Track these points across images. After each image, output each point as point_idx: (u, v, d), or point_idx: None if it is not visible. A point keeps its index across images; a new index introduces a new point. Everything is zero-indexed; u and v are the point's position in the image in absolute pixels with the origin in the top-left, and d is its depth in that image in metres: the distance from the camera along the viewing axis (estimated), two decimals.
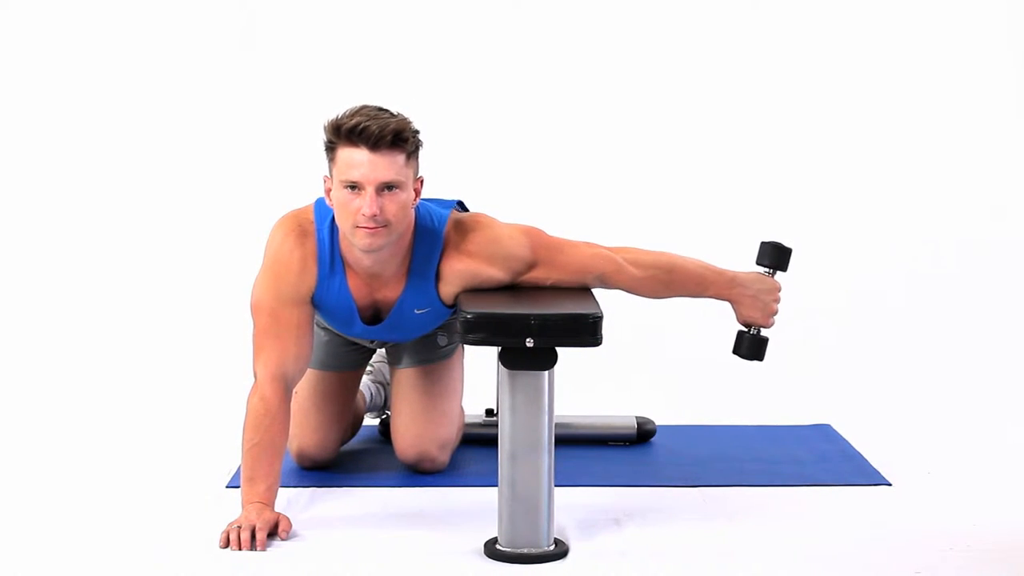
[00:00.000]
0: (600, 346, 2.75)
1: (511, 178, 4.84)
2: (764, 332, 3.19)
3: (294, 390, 3.08)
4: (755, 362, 3.20)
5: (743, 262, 4.81)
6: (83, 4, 4.88)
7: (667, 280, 3.10)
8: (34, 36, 4.86)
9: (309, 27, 4.90)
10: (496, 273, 3.00)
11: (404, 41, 4.90)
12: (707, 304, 4.65)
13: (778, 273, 3.19)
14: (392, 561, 2.75)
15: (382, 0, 4.92)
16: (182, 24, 4.88)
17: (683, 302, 4.58)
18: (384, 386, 3.62)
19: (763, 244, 3.19)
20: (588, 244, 3.08)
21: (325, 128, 2.87)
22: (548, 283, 3.02)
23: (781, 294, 3.19)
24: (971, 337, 4.54)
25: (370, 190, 2.83)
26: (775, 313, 3.17)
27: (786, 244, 3.18)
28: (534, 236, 3.03)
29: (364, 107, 2.88)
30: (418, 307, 3.05)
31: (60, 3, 4.87)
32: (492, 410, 3.55)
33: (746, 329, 3.18)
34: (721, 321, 4.62)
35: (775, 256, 3.17)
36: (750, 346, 3.18)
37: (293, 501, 3.09)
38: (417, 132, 2.89)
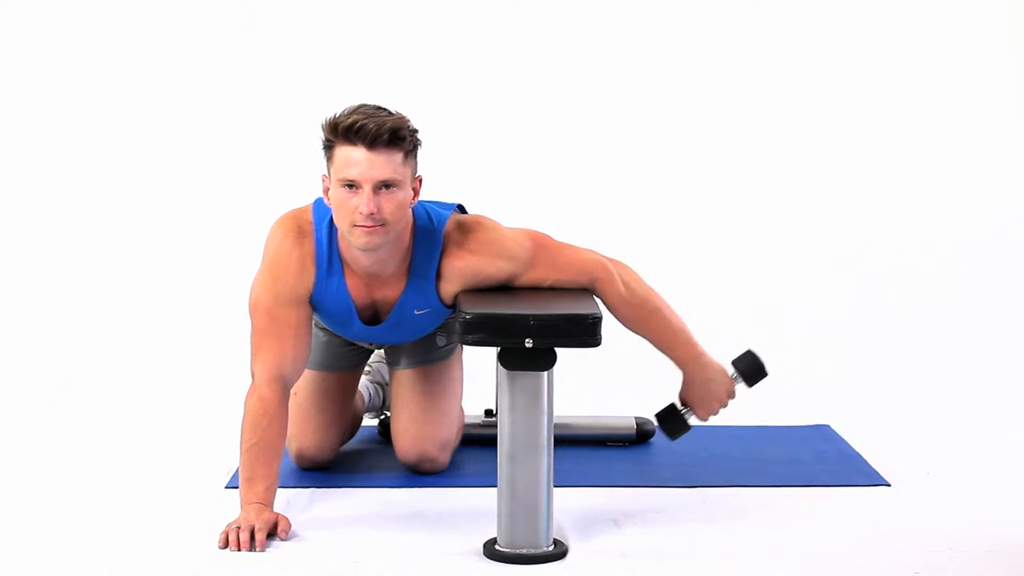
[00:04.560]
0: (600, 346, 2.75)
1: (510, 180, 4.84)
2: (693, 420, 3.11)
3: (293, 391, 3.08)
4: (667, 439, 3.13)
5: (741, 260, 4.82)
6: (83, 4, 4.88)
7: (646, 318, 3.03)
8: (34, 36, 4.85)
9: (308, 27, 4.90)
10: (496, 272, 3.00)
11: (404, 41, 4.90)
12: (707, 304, 4.68)
13: (740, 386, 3.11)
14: (391, 561, 2.75)
15: (382, 0, 4.92)
16: (181, 23, 4.88)
17: (684, 301, 4.62)
18: (382, 386, 3.62)
19: (748, 352, 3.10)
20: (590, 250, 3.07)
21: (323, 127, 2.87)
22: (546, 285, 3.02)
23: (730, 403, 3.10)
24: (971, 337, 4.54)
25: (367, 188, 2.83)
26: (714, 412, 3.10)
27: (766, 367, 3.10)
28: (535, 238, 3.03)
29: (362, 106, 2.88)
30: (418, 308, 3.05)
31: (60, 3, 4.87)
32: (491, 410, 3.55)
33: (680, 407, 3.10)
34: (721, 322, 4.64)
35: (750, 368, 3.08)
36: (673, 423, 3.09)
37: (293, 501, 3.09)
38: (415, 131, 2.89)
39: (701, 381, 3.08)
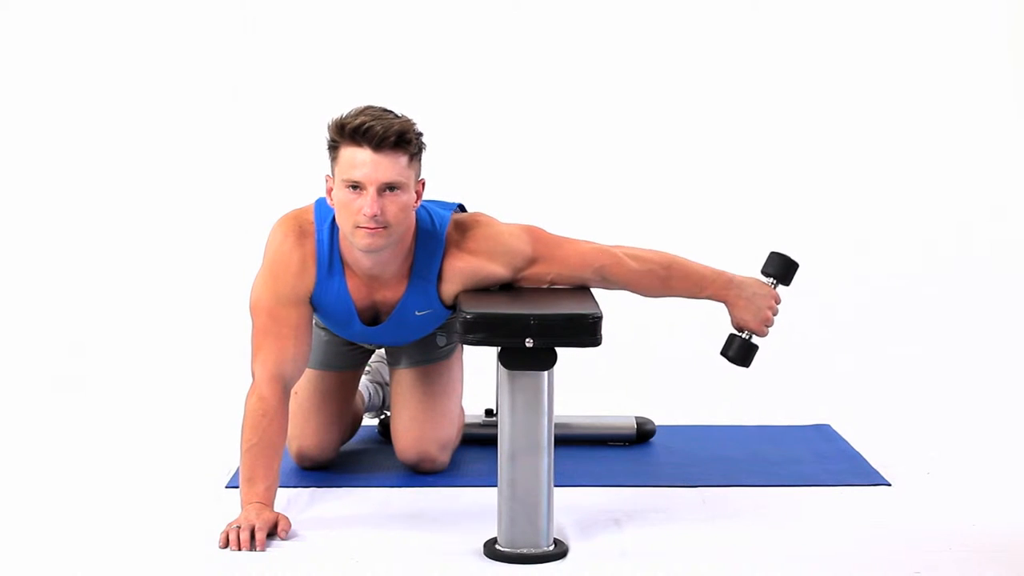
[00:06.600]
0: (600, 346, 2.75)
1: (511, 179, 4.84)
2: (757, 340, 3.16)
3: (293, 391, 3.08)
4: (741, 368, 3.18)
5: (742, 262, 4.81)
6: (83, 4, 4.88)
7: (665, 276, 3.09)
8: (34, 36, 4.86)
9: (309, 27, 4.90)
10: (497, 270, 3.00)
11: (404, 41, 4.90)
12: (706, 303, 4.68)
13: (780, 287, 3.17)
14: (392, 561, 2.75)
15: (382, 0, 4.92)
16: (182, 24, 4.88)
17: (683, 300, 4.63)
18: (382, 386, 3.62)
19: (772, 254, 3.17)
20: (587, 241, 3.08)
21: (329, 127, 2.87)
22: (548, 279, 3.02)
23: (779, 306, 3.16)
24: (970, 337, 4.54)
25: (371, 190, 2.83)
26: (769, 322, 3.14)
27: (794, 259, 3.16)
28: (534, 232, 3.04)
29: (369, 107, 2.88)
30: (419, 309, 3.05)
31: (60, 3, 4.87)
32: (492, 410, 3.55)
33: (739, 333, 3.16)
34: (720, 321, 4.65)
35: (780, 267, 3.14)
36: (739, 350, 3.15)
37: (293, 501, 3.09)
38: (421, 134, 2.89)
39: (745, 300, 3.12)
